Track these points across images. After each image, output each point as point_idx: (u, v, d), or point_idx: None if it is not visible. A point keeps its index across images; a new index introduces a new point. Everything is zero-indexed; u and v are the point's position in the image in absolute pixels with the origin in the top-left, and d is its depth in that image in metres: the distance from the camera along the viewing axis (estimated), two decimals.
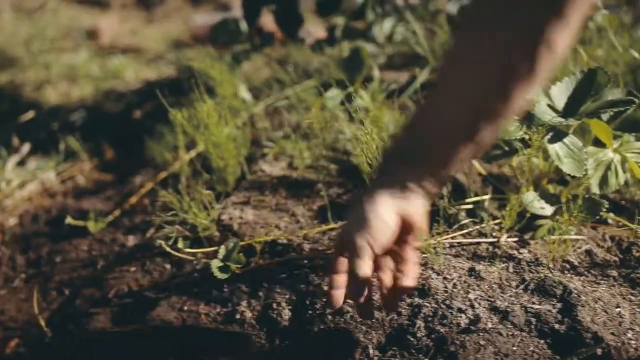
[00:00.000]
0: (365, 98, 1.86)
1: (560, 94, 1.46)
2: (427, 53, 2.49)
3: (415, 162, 1.04)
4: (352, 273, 1.08)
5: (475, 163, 1.75)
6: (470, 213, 1.61)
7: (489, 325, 1.24)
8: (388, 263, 1.17)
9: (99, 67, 4.08)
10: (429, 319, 1.27)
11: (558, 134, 1.43)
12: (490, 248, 1.48)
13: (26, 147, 2.86)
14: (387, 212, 1.04)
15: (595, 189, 1.44)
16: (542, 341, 1.20)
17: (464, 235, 1.53)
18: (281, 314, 1.42)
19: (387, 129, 1.74)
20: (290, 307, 1.43)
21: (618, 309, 1.26)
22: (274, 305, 1.44)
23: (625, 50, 2.01)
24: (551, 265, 1.40)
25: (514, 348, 1.18)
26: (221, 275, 1.47)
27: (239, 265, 1.50)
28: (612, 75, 1.43)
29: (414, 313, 1.29)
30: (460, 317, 1.27)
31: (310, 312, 1.38)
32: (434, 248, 1.43)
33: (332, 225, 1.62)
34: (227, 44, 2.77)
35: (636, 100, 1.35)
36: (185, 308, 1.54)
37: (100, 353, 1.52)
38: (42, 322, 1.69)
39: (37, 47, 4.63)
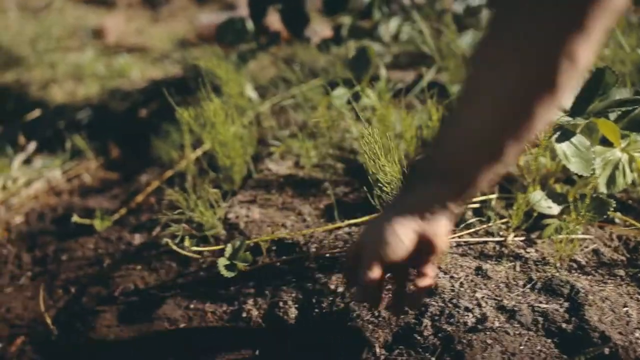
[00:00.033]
0: (372, 97, 1.86)
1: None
2: (433, 52, 2.48)
3: (440, 181, 1.01)
4: (357, 279, 1.08)
5: None
6: (477, 212, 1.61)
7: (496, 324, 1.23)
8: (402, 273, 1.17)
9: (105, 66, 4.09)
10: (436, 317, 1.27)
11: (565, 133, 1.43)
12: (497, 247, 1.48)
13: (32, 146, 2.86)
14: (404, 231, 1.01)
15: (603, 189, 1.44)
16: (549, 340, 1.19)
17: (471, 234, 1.52)
18: (288, 312, 1.42)
19: (394, 127, 1.74)
20: (296, 306, 1.43)
21: (625, 309, 1.25)
22: (281, 304, 1.44)
23: (632, 50, 2.00)
24: (558, 265, 1.39)
25: (521, 347, 1.18)
26: (228, 274, 1.46)
27: (246, 264, 1.50)
28: (619, 74, 1.42)
29: (421, 312, 1.29)
30: (467, 316, 1.26)
31: (316, 310, 1.38)
32: None
33: (339, 224, 1.61)
34: (233, 43, 2.77)
35: None
36: (192, 306, 1.54)
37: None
38: (49, 320, 1.69)
39: (43, 46, 4.64)
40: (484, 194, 1.63)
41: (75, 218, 2.00)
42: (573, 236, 1.41)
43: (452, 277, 1.37)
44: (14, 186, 2.45)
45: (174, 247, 1.59)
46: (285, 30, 2.94)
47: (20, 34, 4.92)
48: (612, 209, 1.42)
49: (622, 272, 1.38)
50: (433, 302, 1.30)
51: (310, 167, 1.95)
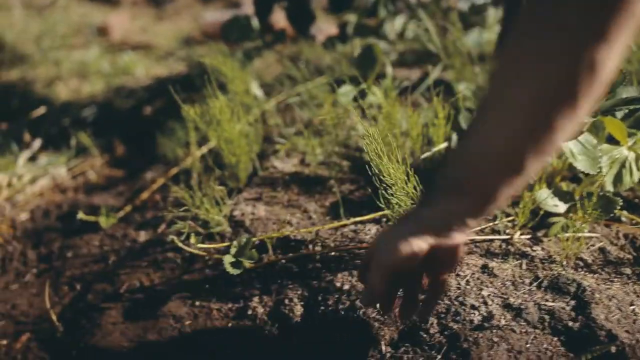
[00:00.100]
0: (378, 95, 1.86)
1: None
2: (439, 50, 2.48)
3: (459, 196, 0.98)
4: (366, 281, 1.09)
5: None
6: None
7: (502, 322, 1.23)
8: (413, 283, 1.16)
9: (110, 63, 4.09)
10: (442, 315, 1.27)
11: None
12: (504, 245, 1.47)
13: (37, 143, 2.86)
14: (417, 242, 0.99)
15: (610, 187, 1.43)
16: (555, 338, 1.19)
17: (476, 232, 1.52)
18: (293, 310, 1.42)
19: (400, 125, 1.73)
20: (302, 303, 1.43)
21: (632, 307, 1.25)
22: (286, 301, 1.44)
23: (639, 48, 2.00)
24: (565, 263, 1.39)
25: (527, 345, 1.17)
26: (233, 271, 1.46)
27: (252, 261, 1.50)
28: (626, 73, 1.42)
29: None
30: (474, 314, 1.26)
31: (322, 308, 1.38)
32: None
33: (345, 221, 1.61)
34: (238, 40, 2.77)
35: None
36: (197, 303, 1.54)
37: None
38: (54, 317, 1.69)
39: (47, 44, 4.64)
40: None
41: (80, 215, 2.00)
42: (579, 234, 1.40)
43: (458, 275, 1.37)
44: (19, 183, 2.45)
45: (180, 244, 1.59)
46: (291, 27, 2.94)
47: (25, 32, 4.93)
48: (618, 208, 1.41)
49: (628, 271, 1.38)
50: (439, 300, 1.30)
51: (315, 165, 1.95)
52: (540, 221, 1.51)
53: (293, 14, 2.86)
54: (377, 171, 1.37)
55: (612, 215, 1.42)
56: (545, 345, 1.17)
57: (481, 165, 0.94)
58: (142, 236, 1.92)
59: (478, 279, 1.35)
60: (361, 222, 1.62)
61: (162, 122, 2.67)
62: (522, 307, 1.26)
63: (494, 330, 1.21)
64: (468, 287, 1.33)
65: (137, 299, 1.65)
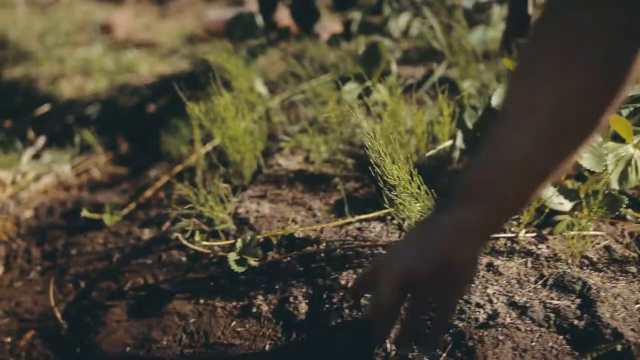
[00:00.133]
0: (383, 92, 1.86)
1: None
2: (443, 48, 2.48)
3: (477, 204, 0.91)
4: (373, 294, 1.04)
5: None
6: None
7: (508, 320, 1.23)
8: (420, 301, 1.06)
9: (114, 61, 4.09)
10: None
11: None
12: (509, 243, 1.47)
13: (41, 140, 2.87)
14: (432, 253, 0.94)
15: (615, 185, 1.43)
16: (561, 337, 1.19)
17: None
18: (298, 307, 1.41)
19: (405, 123, 1.73)
20: (307, 301, 1.43)
21: (638, 305, 1.24)
22: (291, 299, 1.44)
23: None
24: (570, 261, 1.39)
25: (533, 343, 1.17)
26: (238, 269, 1.46)
27: (256, 259, 1.50)
28: None
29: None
30: (479, 312, 1.26)
31: (327, 306, 1.38)
32: None
33: (349, 219, 1.61)
34: (242, 38, 2.77)
35: None
36: (201, 301, 1.54)
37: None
38: (58, 315, 1.69)
39: (51, 41, 4.65)
40: None
41: (84, 212, 2.00)
42: (585, 233, 1.40)
43: None
44: (23, 181, 2.46)
45: (185, 242, 1.59)
46: (295, 25, 2.94)
47: (29, 29, 4.93)
48: (624, 206, 1.41)
49: (634, 269, 1.37)
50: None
51: (320, 163, 1.95)
52: (545, 219, 1.50)
53: (297, 11, 2.87)
54: (380, 172, 1.37)
55: (617, 213, 1.42)
56: (550, 344, 1.17)
57: (501, 173, 0.89)
58: (147, 234, 1.92)
59: (483, 277, 1.35)
60: (366, 220, 1.62)
61: (166, 119, 2.67)
62: (528, 305, 1.26)
63: (499, 329, 1.21)
64: (473, 285, 1.33)
65: (142, 297, 1.65)
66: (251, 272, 1.55)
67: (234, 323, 1.44)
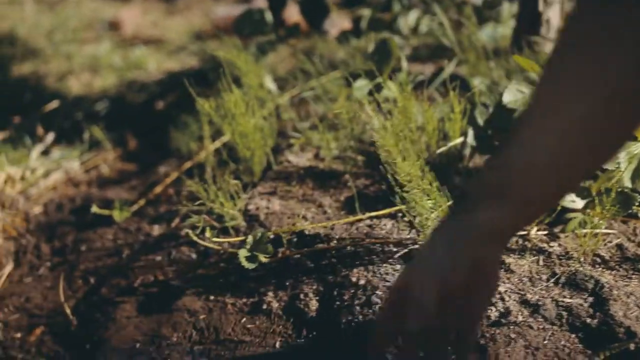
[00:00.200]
0: (393, 89, 1.85)
1: None
2: (453, 45, 2.47)
3: (504, 204, 0.87)
4: (406, 325, 0.93)
5: None
6: None
7: (520, 318, 1.23)
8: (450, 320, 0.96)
9: (122, 58, 4.09)
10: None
11: None
12: (520, 241, 1.47)
13: (50, 137, 2.87)
14: (464, 260, 0.89)
15: (628, 183, 1.42)
16: (573, 335, 1.18)
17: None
18: (308, 304, 1.41)
19: (416, 120, 1.73)
20: (317, 298, 1.42)
21: None
22: (301, 296, 1.44)
23: None
24: (582, 259, 1.38)
25: (545, 342, 1.17)
26: (249, 265, 1.46)
27: (267, 255, 1.49)
28: None
29: None
30: (491, 309, 1.26)
31: (337, 303, 1.38)
32: None
33: (360, 216, 1.61)
34: (251, 34, 2.77)
35: None
36: (212, 298, 1.54)
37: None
38: (68, 310, 1.69)
39: (59, 38, 4.65)
40: None
41: (94, 209, 2.00)
42: (597, 231, 1.39)
43: None
44: (33, 177, 2.46)
45: (195, 238, 1.58)
46: (304, 22, 2.94)
47: (37, 26, 4.94)
48: (636, 204, 1.40)
49: None
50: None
51: (330, 159, 1.95)
52: (557, 217, 1.49)
53: (307, 8, 2.86)
54: (390, 170, 1.37)
55: (630, 211, 1.41)
56: (563, 342, 1.17)
57: (526, 174, 0.85)
58: (156, 230, 1.92)
59: None
60: (376, 217, 1.62)
61: (175, 116, 2.67)
62: (540, 303, 1.25)
63: (511, 327, 1.21)
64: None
65: (151, 293, 1.65)
66: (261, 268, 1.54)
67: (244, 319, 1.44)
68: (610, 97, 0.75)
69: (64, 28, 4.87)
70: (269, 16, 2.76)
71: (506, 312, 1.24)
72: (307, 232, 1.62)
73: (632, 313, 1.21)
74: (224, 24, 4.40)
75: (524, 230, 1.48)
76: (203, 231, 1.61)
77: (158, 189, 2.16)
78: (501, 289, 1.30)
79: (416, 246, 1.48)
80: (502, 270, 1.36)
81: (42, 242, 2.07)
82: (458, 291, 0.90)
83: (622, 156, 1.41)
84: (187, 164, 2.23)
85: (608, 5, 0.74)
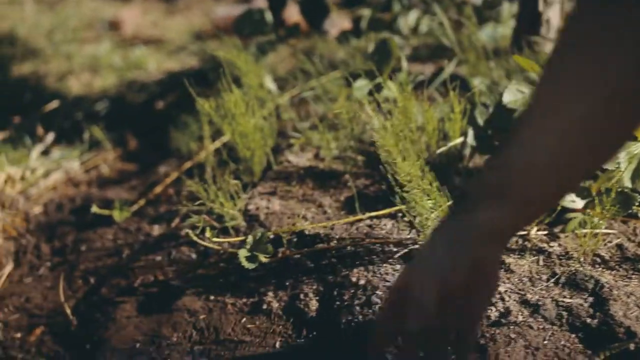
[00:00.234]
0: (393, 89, 1.85)
1: None
2: (453, 45, 2.47)
3: (504, 204, 0.86)
4: (406, 325, 0.93)
5: None
6: None
7: (520, 318, 1.22)
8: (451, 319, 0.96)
9: (122, 58, 4.09)
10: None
11: None
12: (520, 241, 1.46)
13: (50, 137, 2.87)
14: (464, 261, 0.88)
15: (628, 183, 1.42)
16: (573, 335, 1.18)
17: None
18: (308, 304, 1.41)
19: (416, 120, 1.73)
20: (317, 298, 1.42)
21: None
22: (301, 296, 1.44)
23: None
24: (582, 259, 1.38)
25: (545, 342, 1.17)
26: (249, 265, 1.46)
27: (267, 255, 1.49)
28: None
29: None
30: (491, 310, 1.26)
31: (337, 303, 1.38)
32: None
33: (360, 216, 1.61)
34: (251, 34, 2.77)
35: None
36: (212, 298, 1.54)
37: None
38: (68, 311, 1.69)
39: (59, 38, 4.65)
40: None
41: (94, 208, 2.00)
42: (597, 231, 1.39)
43: None
44: (33, 177, 2.46)
45: (195, 238, 1.58)
46: (304, 22, 2.94)
47: (37, 26, 4.94)
48: (636, 204, 1.40)
49: None
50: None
51: (330, 159, 1.95)
52: (557, 217, 1.49)
53: (307, 8, 2.86)
54: (390, 170, 1.36)
55: (629, 211, 1.41)
56: (563, 342, 1.17)
57: (527, 174, 0.85)
58: (156, 230, 1.92)
59: None
60: (377, 217, 1.62)
61: (175, 116, 2.67)
62: (540, 303, 1.25)
63: (511, 327, 1.21)
64: None
65: (151, 293, 1.65)
66: (261, 268, 1.54)
67: (244, 319, 1.44)
68: (610, 97, 0.75)
69: (64, 28, 4.88)
70: (269, 16, 2.76)
71: (506, 312, 1.24)
72: (307, 232, 1.62)
73: (632, 313, 1.21)
74: (224, 24, 4.40)
75: (524, 230, 1.48)
76: (203, 231, 1.61)
77: (158, 189, 2.16)
78: (501, 289, 1.30)
79: (416, 246, 1.48)
80: (502, 270, 1.36)
81: (42, 242, 2.07)
82: (458, 291, 0.89)
83: (622, 156, 1.41)
84: (187, 164, 2.23)
85: (608, 5, 0.74)
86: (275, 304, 1.45)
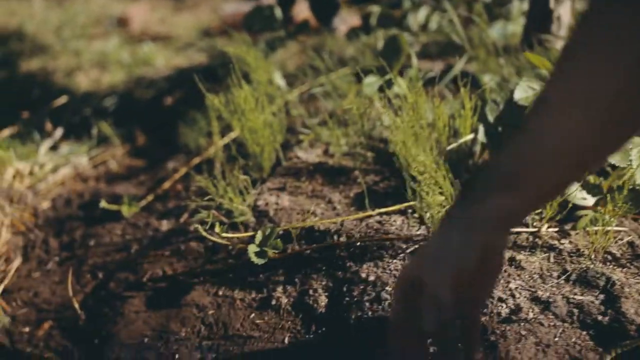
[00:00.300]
0: (403, 86, 1.84)
1: None
2: (463, 41, 2.46)
3: (515, 191, 0.87)
4: (424, 324, 0.92)
5: None
6: None
7: (530, 315, 1.22)
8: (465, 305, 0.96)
9: (130, 54, 4.10)
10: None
11: None
12: (531, 238, 1.46)
13: (59, 132, 2.88)
14: (472, 243, 0.88)
15: (639, 180, 1.41)
16: (584, 332, 1.18)
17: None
18: (317, 300, 1.41)
19: (426, 116, 1.72)
20: (326, 294, 1.42)
21: None
22: (311, 292, 1.43)
23: None
24: (593, 257, 1.38)
25: (556, 339, 1.16)
26: (258, 261, 1.46)
27: (276, 251, 1.49)
28: None
29: None
30: (501, 306, 1.25)
31: (347, 298, 1.37)
32: None
33: (369, 212, 1.60)
34: (261, 31, 2.77)
35: None
36: (220, 293, 1.54)
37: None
38: (76, 305, 1.70)
39: (68, 35, 4.67)
40: None
41: (103, 203, 2.00)
42: (608, 228, 1.39)
43: None
44: (41, 172, 2.46)
45: (204, 233, 1.58)
46: (314, 18, 2.94)
47: (45, 23, 4.96)
48: None
49: None
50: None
51: (340, 156, 1.94)
52: (568, 214, 1.49)
53: (316, 4, 2.86)
54: (403, 161, 1.36)
55: None
56: (574, 339, 1.16)
57: (541, 162, 0.85)
58: (165, 225, 1.92)
59: (505, 271, 1.34)
60: (386, 213, 1.61)
61: (183, 112, 2.67)
62: (551, 300, 1.25)
63: (522, 324, 1.20)
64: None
65: (160, 288, 1.65)
66: (270, 264, 1.54)
67: (253, 315, 1.44)
68: (618, 95, 0.76)
69: (73, 24, 4.89)
70: (278, 12, 2.76)
71: (517, 309, 1.23)
72: (316, 228, 1.62)
73: None
74: (232, 21, 4.41)
75: (535, 227, 1.48)
76: (212, 226, 1.61)
77: (166, 185, 2.16)
78: (512, 285, 1.30)
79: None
80: (512, 267, 1.36)
81: (51, 236, 2.07)
82: (470, 280, 0.89)
83: (634, 154, 1.41)
84: (196, 160, 2.23)
85: (613, 5, 0.76)
86: (284, 300, 1.45)
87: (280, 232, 1.59)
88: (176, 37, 4.55)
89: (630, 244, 1.43)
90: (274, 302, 1.45)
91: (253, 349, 1.36)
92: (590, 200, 1.47)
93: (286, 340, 1.35)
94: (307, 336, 1.35)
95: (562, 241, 1.44)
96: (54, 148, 2.75)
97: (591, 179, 1.55)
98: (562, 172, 0.85)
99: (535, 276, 1.32)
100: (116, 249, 1.89)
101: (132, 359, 1.47)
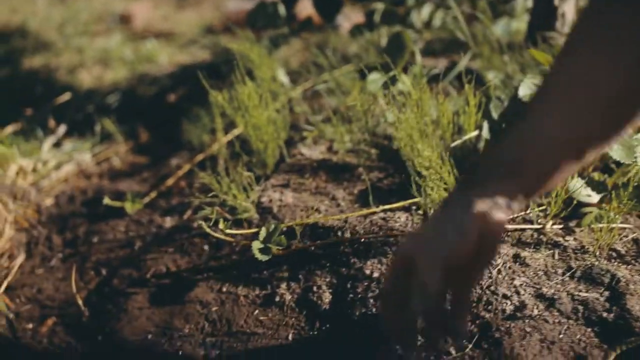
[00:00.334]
0: (407, 82, 1.84)
1: None
2: (467, 38, 2.46)
3: (513, 178, 0.88)
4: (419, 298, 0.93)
5: None
6: None
7: (535, 312, 1.22)
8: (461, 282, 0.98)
9: (133, 51, 4.10)
10: (473, 304, 1.26)
11: None
12: (536, 235, 1.46)
13: (62, 129, 2.87)
14: (469, 227, 0.88)
15: None
16: (589, 329, 1.17)
17: (508, 221, 1.50)
18: (321, 297, 1.41)
19: (430, 113, 1.72)
20: (330, 291, 1.42)
21: None
22: (314, 289, 1.43)
23: None
24: (597, 253, 1.37)
25: (561, 335, 1.16)
26: (262, 257, 1.46)
27: (280, 248, 1.49)
28: None
29: None
30: (506, 303, 1.25)
31: (351, 295, 1.37)
32: None
33: (374, 209, 1.60)
34: (264, 27, 2.76)
35: None
36: (224, 289, 1.53)
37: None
38: (80, 302, 1.69)
39: (70, 31, 4.66)
40: None
41: (106, 200, 2.00)
42: (613, 225, 1.38)
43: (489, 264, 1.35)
44: (44, 169, 2.46)
45: (208, 230, 1.58)
46: (317, 15, 2.93)
47: (48, 20, 4.96)
48: None
49: None
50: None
51: (343, 152, 1.94)
52: (572, 211, 1.48)
53: (320, 1, 2.85)
54: (409, 155, 1.36)
55: None
56: (578, 336, 1.16)
57: (543, 149, 0.87)
58: (168, 222, 1.92)
59: (510, 268, 1.34)
60: (390, 210, 1.61)
61: (187, 108, 2.67)
62: (555, 297, 1.25)
63: (527, 320, 1.20)
64: (500, 276, 1.32)
65: (164, 285, 1.65)
66: (274, 261, 1.54)
67: (256, 312, 1.44)
68: (618, 91, 0.79)
69: (75, 21, 4.89)
70: (281, 9, 2.75)
71: (521, 306, 1.23)
72: (320, 225, 1.62)
73: None
74: (235, 18, 4.40)
75: (539, 224, 1.47)
76: (216, 223, 1.61)
77: (170, 181, 2.16)
78: (516, 282, 1.29)
79: None
80: (517, 264, 1.36)
81: (54, 233, 2.07)
82: (464, 262, 0.90)
83: (639, 151, 1.41)
84: (199, 157, 2.22)
85: (613, 5, 0.78)
86: (288, 296, 1.44)
87: (284, 229, 1.59)
88: (179, 34, 4.54)
89: (635, 240, 1.43)
90: (277, 299, 1.45)
91: (257, 346, 1.36)
92: (595, 197, 1.46)
93: (290, 337, 1.35)
94: (311, 333, 1.35)
95: (567, 238, 1.44)
96: (57, 145, 2.75)
97: (596, 176, 1.55)
98: (562, 159, 0.87)
99: (540, 273, 1.32)
100: (119, 245, 1.89)
101: (136, 356, 1.47)
